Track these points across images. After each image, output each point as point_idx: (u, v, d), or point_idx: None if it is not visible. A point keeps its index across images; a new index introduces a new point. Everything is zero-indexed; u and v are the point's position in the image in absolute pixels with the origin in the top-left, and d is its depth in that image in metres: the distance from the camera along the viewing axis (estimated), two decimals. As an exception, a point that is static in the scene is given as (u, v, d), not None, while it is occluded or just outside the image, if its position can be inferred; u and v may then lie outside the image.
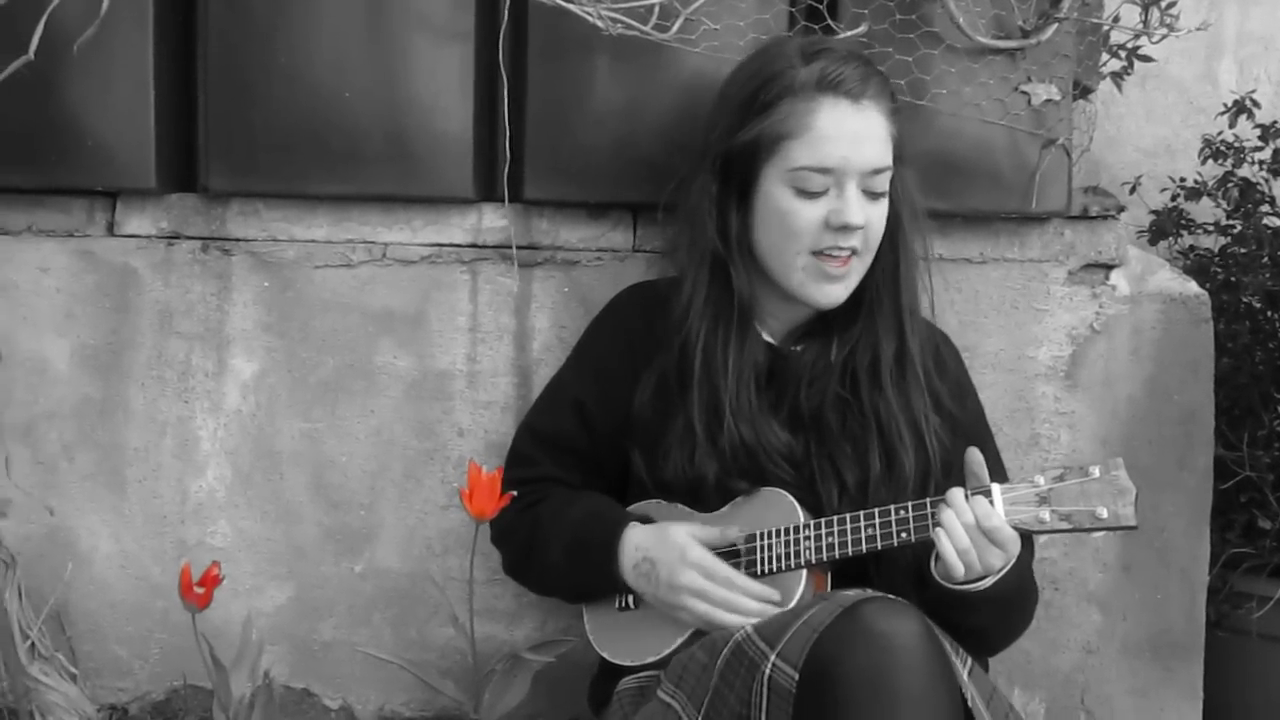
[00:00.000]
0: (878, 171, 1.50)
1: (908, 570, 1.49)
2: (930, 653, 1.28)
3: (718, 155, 1.54)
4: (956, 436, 1.55)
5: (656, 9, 1.64)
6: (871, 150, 1.49)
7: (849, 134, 1.48)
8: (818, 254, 1.50)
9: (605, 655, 1.58)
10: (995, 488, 1.40)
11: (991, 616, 1.47)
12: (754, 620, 1.40)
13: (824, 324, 1.58)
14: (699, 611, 1.48)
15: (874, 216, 1.51)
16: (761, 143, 1.50)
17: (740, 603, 1.46)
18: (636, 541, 1.52)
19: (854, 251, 1.51)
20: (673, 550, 1.49)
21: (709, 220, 1.54)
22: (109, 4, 1.60)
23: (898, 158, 1.53)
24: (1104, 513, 1.36)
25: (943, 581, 1.43)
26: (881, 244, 1.54)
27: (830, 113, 1.48)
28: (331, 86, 1.75)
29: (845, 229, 1.49)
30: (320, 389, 1.82)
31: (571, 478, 1.64)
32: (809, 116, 1.48)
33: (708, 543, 1.50)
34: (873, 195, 1.51)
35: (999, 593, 1.43)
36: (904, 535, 1.43)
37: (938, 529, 1.40)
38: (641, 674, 1.54)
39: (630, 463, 1.60)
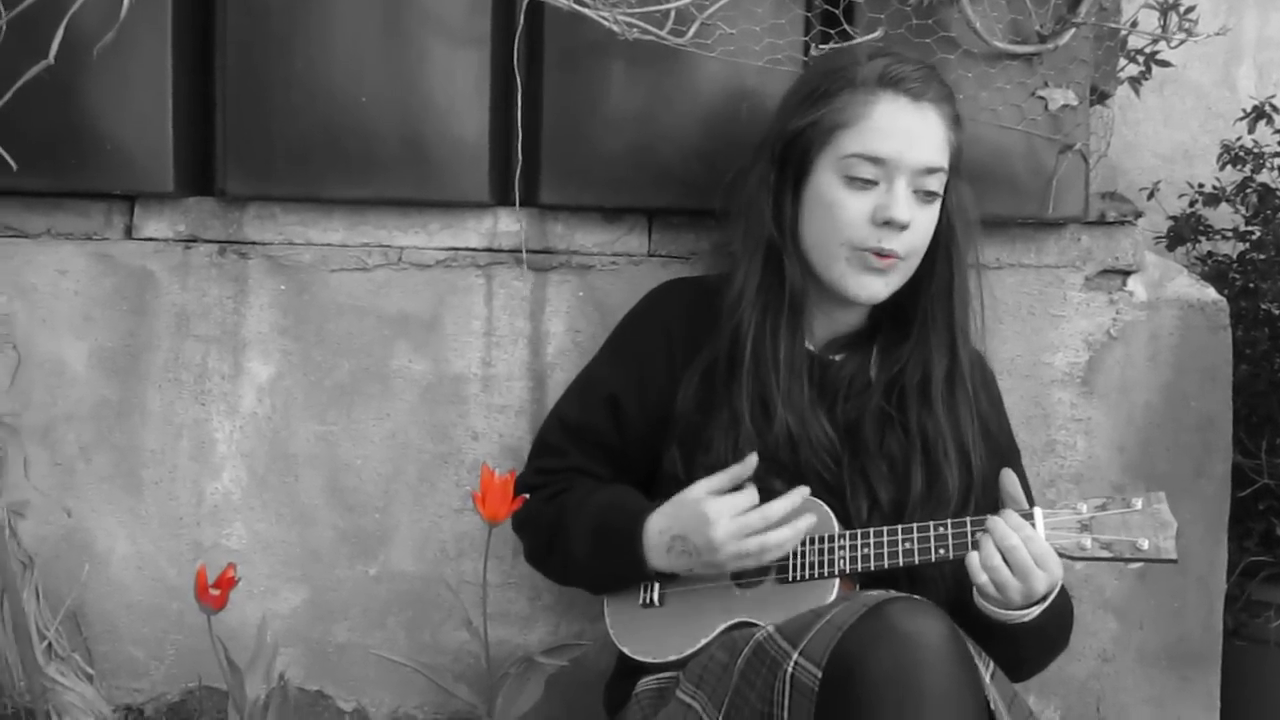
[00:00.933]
0: (930, 171, 1.49)
1: (941, 589, 1.48)
2: (955, 653, 1.28)
3: (776, 143, 1.54)
4: (993, 456, 1.54)
5: (672, 14, 1.65)
6: (925, 149, 1.48)
7: (904, 129, 1.48)
8: (861, 251, 1.49)
9: (627, 651, 1.56)
10: (1038, 511, 1.40)
11: (1033, 648, 1.46)
12: (793, 541, 1.42)
13: (866, 336, 1.57)
14: (752, 549, 1.45)
15: (921, 220, 1.50)
16: (818, 130, 1.50)
17: (774, 510, 1.44)
18: (659, 526, 1.51)
19: (895, 254, 1.50)
20: (696, 517, 1.47)
21: (766, 208, 1.54)
22: (128, 9, 1.61)
23: (954, 168, 1.52)
24: (1145, 544, 1.36)
25: (991, 610, 1.41)
26: (937, 258, 1.53)
27: (888, 106, 1.48)
28: (348, 91, 1.75)
29: (890, 224, 1.47)
30: (336, 392, 1.83)
31: (599, 470, 1.62)
32: (866, 108, 1.48)
33: (721, 488, 1.48)
34: (923, 198, 1.50)
35: (1044, 623, 1.42)
36: (941, 552, 1.42)
37: (974, 561, 1.38)
38: (661, 675, 1.54)
39: (661, 460, 1.58)
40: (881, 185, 1.48)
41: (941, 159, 1.50)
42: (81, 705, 1.75)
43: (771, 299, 1.54)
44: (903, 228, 1.48)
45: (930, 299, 1.54)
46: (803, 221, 1.53)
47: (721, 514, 1.46)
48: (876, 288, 1.51)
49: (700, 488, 1.49)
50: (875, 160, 1.48)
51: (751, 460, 1.48)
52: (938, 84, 1.52)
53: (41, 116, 1.73)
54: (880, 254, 1.49)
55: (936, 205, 1.52)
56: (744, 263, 1.55)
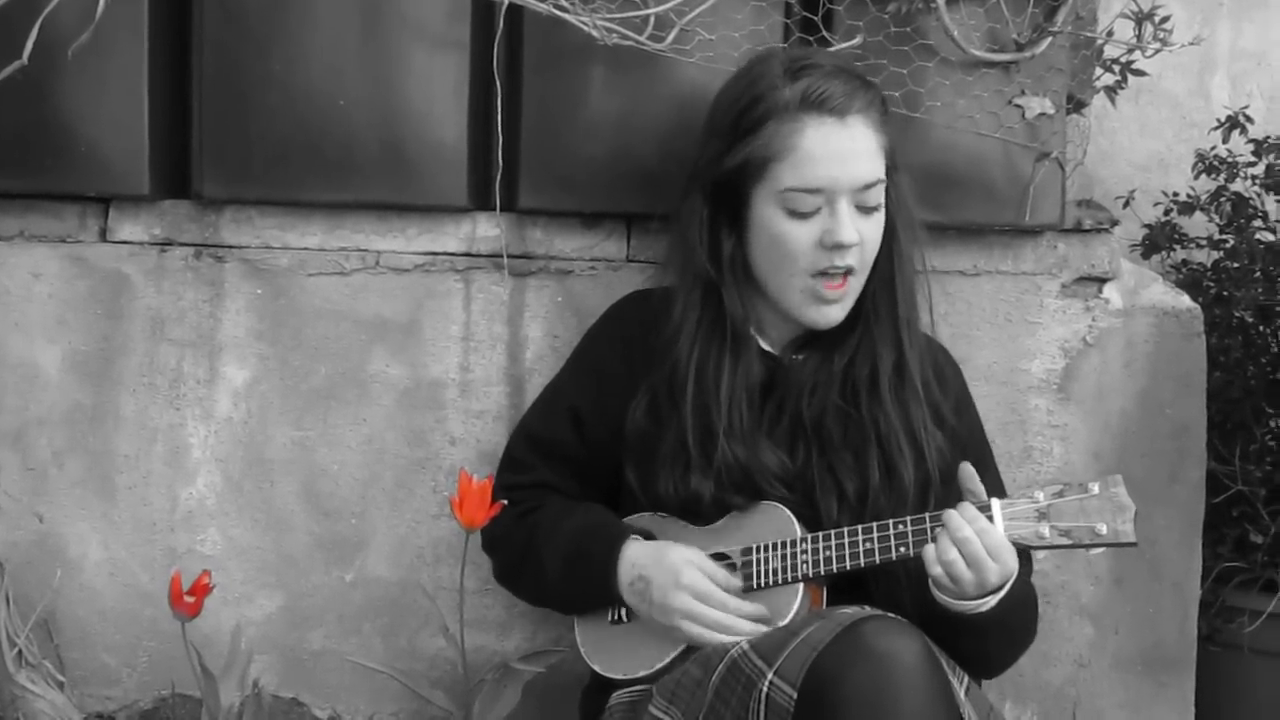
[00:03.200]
0: (869, 186, 1.49)
1: (908, 588, 1.48)
2: (930, 672, 1.28)
3: (707, 180, 1.53)
4: (956, 450, 1.55)
5: (652, 19, 1.65)
6: (860, 166, 1.49)
7: (835, 153, 1.47)
8: (815, 275, 1.50)
9: (596, 668, 1.57)
10: (995, 503, 1.40)
11: (998, 640, 1.46)
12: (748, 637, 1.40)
13: (825, 333, 1.57)
14: (691, 633, 1.47)
15: (868, 231, 1.51)
16: (749, 166, 1.49)
17: (732, 624, 1.45)
18: (633, 559, 1.52)
19: (850, 271, 1.50)
20: (668, 573, 1.48)
21: (700, 245, 1.54)
22: (104, 9, 1.60)
23: (891, 167, 1.53)
24: (1104, 529, 1.36)
25: (946, 601, 1.41)
26: (879, 253, 1.54)
27: (815, 132, 1.47)
28: (326, 94, 1.75)
29: (839, 247, 1.48)
30: (312, 397, 1.82)
31: (566, 485, 1.63)
32: (794, 137, 1.47)
33: (709, 573, 1.49)
34: (865, 210, 1.50)
35: (1003, 614, 1.42)
36: (902, 550, 1.42)
37: (933, 545, 1.39)
38: (633, 689, 1.54)
39: (624, 473, 1.59)
40: (824, 210, 1.49)
41: (877, 170, 1.50)
42: (52, 713, 1.73)
43: (714, 331, 1.54)
44: (852, 246, 1.49)
45: (874, 293, 1.55)
46: (749, 251, 1.54)
47: (691, 587, 1.47)
48: (834, 314, 1.53)
49: (685, 555, 1.49)
50: (813, 190, 1.48)
51: (736, 584, 1.48)
52: (861, 92, 1.50)
53: (15, 117, 1.72)
54: (831, 279, 1.49)
55: (881, 210, 1.53)
56: (682, 294, 1.56)
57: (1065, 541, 1.38)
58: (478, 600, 1.81)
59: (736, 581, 1.48)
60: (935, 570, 1.38)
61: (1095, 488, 1.37)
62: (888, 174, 1.52)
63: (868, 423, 1.53)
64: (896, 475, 1.51)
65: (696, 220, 1.54)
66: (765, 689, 1.30)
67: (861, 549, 1.44)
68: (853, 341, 1.55)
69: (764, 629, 1.43)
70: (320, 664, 1.83)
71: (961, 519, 1.38)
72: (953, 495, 1.46)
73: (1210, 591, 2.03)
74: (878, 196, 1.51)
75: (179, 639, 1.60)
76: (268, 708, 1.76)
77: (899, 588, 1.49)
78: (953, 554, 1.37)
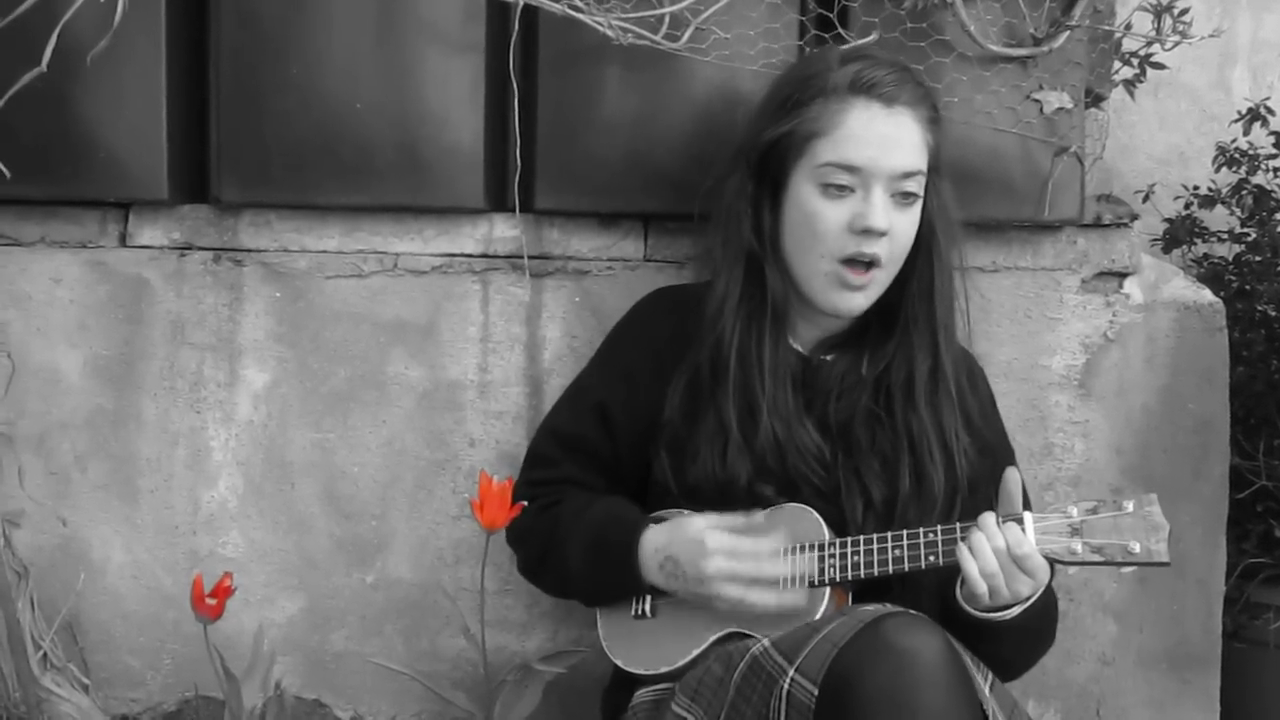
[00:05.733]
0: (907, 175, 1.49)
1: (932, 594, 1.48)
2: (951, 669, 1.27)
3: (752, 153, 1.54)
4: (983, 455, 1.54)
5: (667, 19, 1.65)
6: (901, 155, 1.48)
7: (878, 136, 1.48)
8: (841, 261, 1.49)
9: (620, 664, 1.56)
10: (1027, 516, 1.39)
11: (1016, 646, 1.45)
12: (773, 607, 1.42)
13: (855, 336, 1.57)
14: (733, 595, 1.46)
15: (900, 225, 1.50)
16: (793, 140, 1.50)
17: (767, 570, 1.44)
18: (655, 543, 1.51)
19: (875, 262, 1.49)
20: (693, 544, 1.47)
21: (745, 218, 1.54)
22: (122, 16, 1.61)
23: (934, 168, 1.52)
24: (1137, 548, 1.35)
25: (967, 607, 1.41)
26: (918, 259, 1.53)
27: (861, 113, 1.48)
28: (343, 98, 1.75)
29: (868, 232, 1.47)
30: (332, 399, 1.83)
31: (591, 480, 1.63)
32: (839, 115, 1.48)
33: (731, 527, 1.48)
34: (901, 202, 1.49)
35: (1025, 621, 1.41)
36: (932, 559, 1.41)
37: (965, 552, 1.38)
38: (656, 687, 1.53)
39: (651, 468, 1.58)
40: (858, 193, 1.48)
41: (918, 162, 1.50)
42: (77, 715, 1.74)
43: (754, 308, 1.54)
44: (881, 234, 1.48)
45: (913, 299, 1.54)
46: (782, 231, 1.53)
47: (719, 550, 1.46)
48: (857, 301, 1.52)
49: (706, 520, 1.48)
50: (850, 168, 1.48)
51: (758, 517, 1.47)
52: (912, 85, 1.51)
53: (35, 124, 1.73)
54: (856, 267, 1.49)
55: (917, 208, 1.52)
56: (724, 272, 1.55)
57: (1097, 558, 1.37)
58: (498, 601, 1.81)
59: (759, 517, 1.47)
60: (981, 589, 1.37)
61: (1130, 505, 1.36)
62: (929, 174, 1.51)
63: (900, 429, 1.52)
64: (927, 482, 1.50)
65: (742, 196, 1.54)
66: (786, 686, 1.29)
67: (891, 556, 1.43)
68: (889, 347, 1.54)
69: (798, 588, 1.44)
70: (342, 665, 1.84)
71: (994, 527, 1.37)
72: (980, 503, 1.45)
73: (1235, 588, 2.01)
74: (915, 186, 1.50)
75: (202, 641, 1.61)
76: (290, 709, 1.76)
77: (922, 594, 1.48)
78: (994, 566, 1.36)
